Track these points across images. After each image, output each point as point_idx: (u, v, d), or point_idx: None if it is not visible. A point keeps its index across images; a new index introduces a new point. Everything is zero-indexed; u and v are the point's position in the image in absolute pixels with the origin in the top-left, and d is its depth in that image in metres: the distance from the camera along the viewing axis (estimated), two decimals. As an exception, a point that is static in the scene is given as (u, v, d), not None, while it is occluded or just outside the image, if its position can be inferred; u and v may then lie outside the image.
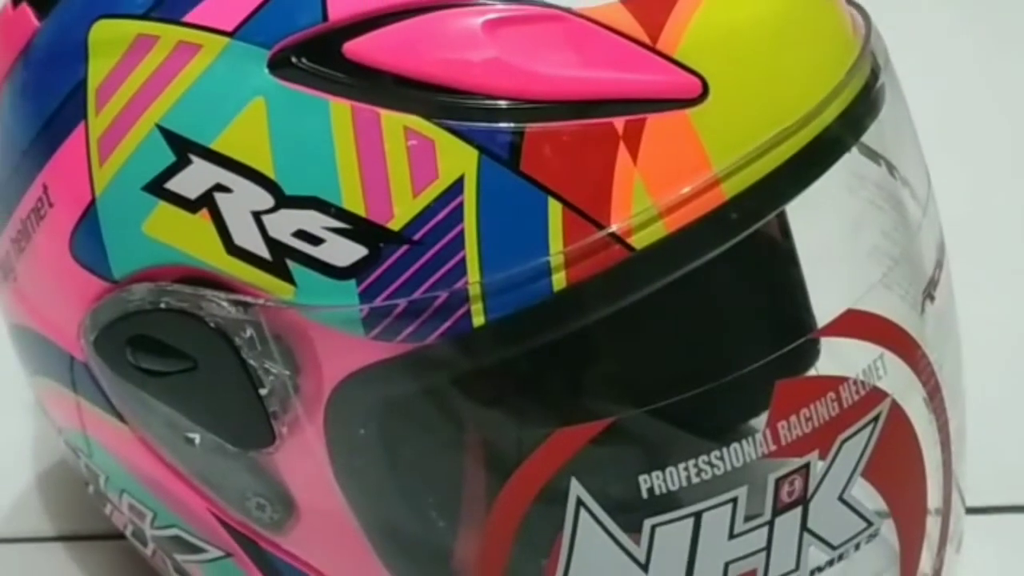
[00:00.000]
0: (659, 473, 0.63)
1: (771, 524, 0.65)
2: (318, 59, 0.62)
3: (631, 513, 0.64)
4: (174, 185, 0.64)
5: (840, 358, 0.67)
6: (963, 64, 1.18)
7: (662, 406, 0.64)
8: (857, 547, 0.67)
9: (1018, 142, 1.11)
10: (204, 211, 0.64)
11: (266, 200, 0.62)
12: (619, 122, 0.61)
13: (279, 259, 0.63)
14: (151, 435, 0.70)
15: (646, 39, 0.61)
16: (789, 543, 0.65)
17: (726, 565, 0.65)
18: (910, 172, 0.71)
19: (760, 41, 0.63)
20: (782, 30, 0.64)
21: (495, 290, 0.61)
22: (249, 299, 0.64)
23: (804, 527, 0.65)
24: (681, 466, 0.63)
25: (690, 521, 0.64)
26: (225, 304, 0.64)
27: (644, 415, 0.65)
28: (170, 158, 0.64)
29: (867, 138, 0.67)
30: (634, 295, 0.62)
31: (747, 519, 0.64)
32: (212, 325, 0.65)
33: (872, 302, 0.67)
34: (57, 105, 0.67)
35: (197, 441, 0.68)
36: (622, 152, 0.61)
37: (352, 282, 0.62)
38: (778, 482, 0.64)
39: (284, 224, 0.62)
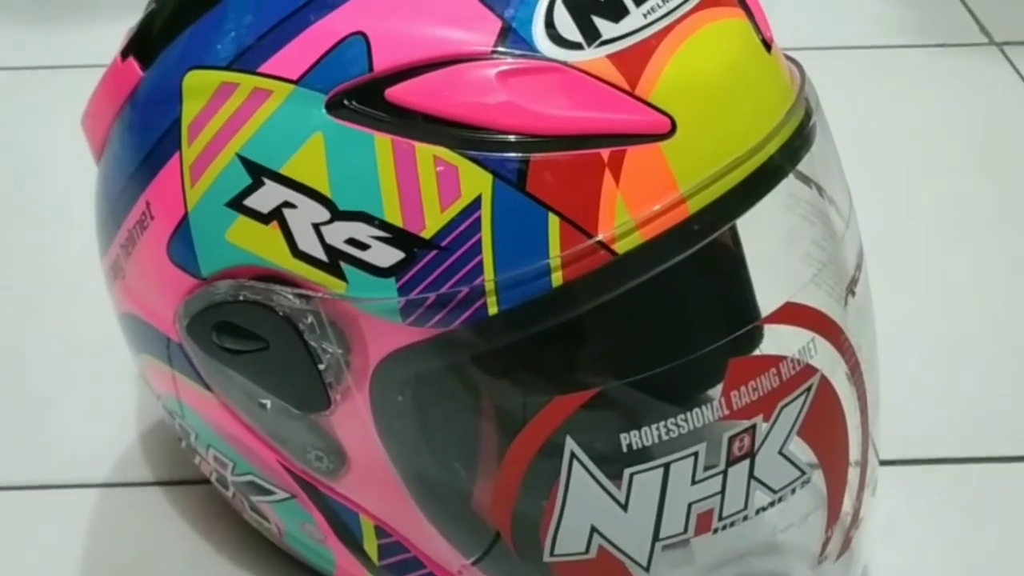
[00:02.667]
0: (636, 432, 0.63)
1: (725, 473, 0.65)
2: (365, 102, 0.62)
3: (614, 464, 0.64)
4: (250, 202, 0.64)
5: (780, 341, 0.67)
6: (877, 107, 1.18)
7: (639, 379, 0.64)
8: (793, 491, 0.67)
9: (921, 169, 1.12)
10: (274, 223, 0.63)
11: (324, 214, 0.62)
12: (605, 153, 0.61)
13: (334, 261, 0.63)
14: (232, 401, 0.70)
15: (626, 86, 0.61)
16: (739, 488, 0.65)
17: (689, 505, 0.65)
18: (836, 193, 0.71)
19: (717, 89, 0.63)
20: (735, 80, 0.64)
21: (506, 286, 0.61)
22: (310, 293, 0.64)
23: (751, 475, 0.65)
24: (654, 426, 0.63)
25: (661, 470, 0.64)
26: (291, 297, 0.64)
27: (625, 386, 0.65)
28: (247, 180, 0.64)
29: (801, 166, 0.67)
30: (616, 291, 0.62)
31: (706, 469, 0.64)
32: (281, 314, 0.64)
33: (805, 296, 0.66)
34: (157, 138, 0.67)
35: (268, 406, 0.68)
36: (607, 177, 0.61)
37: (392, 280, 0.62)
38: (730, 439, 0.64)
39: (338, 233, 0.62)
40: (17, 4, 1.33)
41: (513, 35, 0.61)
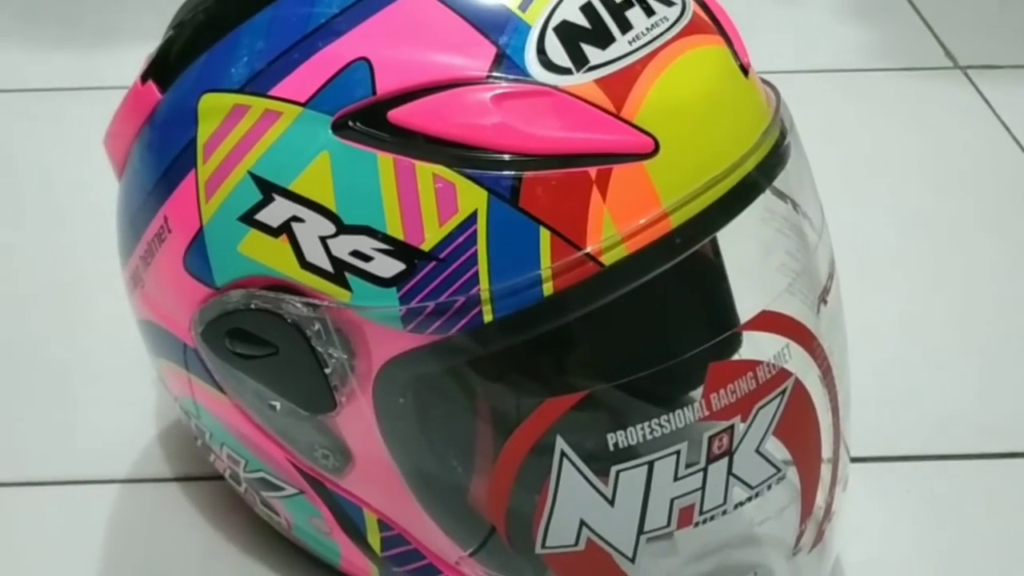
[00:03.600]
0: (622, 432, 0.63)
1: (705, 470, 0.64)
2: (369, 123, 0.62)
3: (601, 462, 0.64)
4: (261, 217, 0.64)
5: (757, 346, 0.67)
6: (848, 127, 1.18)
7: (625, 382, 0.64)
8: (769, 487, 0.66)
9: (888, 185, 1.12)
10: (284, 236, 0.63)
11: (330, 228, 0.62)
12: (592, 171, 0.61)
13: (339, 272, 0.63)
14: (243, 403, 0.70)
15: (612, 109, 0.61)
16: (719, 484, 0.65)
17: (672, 500, 0.65)
18: (809, 208, 0.71)
19: (698, 111, 0.63)
20: (714, 103, 0.64)
21: (500, 295, 0.61)
22: (317, 302, 0.64)
23: (730, 472, 0.65)
24: (639, 426, 0.63)
25: (645, 468, 0.64)
26: (299, 305, 0.64)
27: (612, 388, 0.65)
28: (258, 196, 0.64)
29: (777, 183, 0.67)
30: (604, 300, 0.62)
31: (687, 466, 0.64)
32: (290, 321, 0.64)
33: (780, 305, 0.66)
34: (174, 157, 0.67)
35: (278, 407, 0.68)
36: (595, 193, 0.61)
37: (394, 289, 0.62)
38: (710, 439, 0.64)
39: (343, 246, 0.62)
40: (47, 30, 1.33)
41: (507, 61, 0.61)
